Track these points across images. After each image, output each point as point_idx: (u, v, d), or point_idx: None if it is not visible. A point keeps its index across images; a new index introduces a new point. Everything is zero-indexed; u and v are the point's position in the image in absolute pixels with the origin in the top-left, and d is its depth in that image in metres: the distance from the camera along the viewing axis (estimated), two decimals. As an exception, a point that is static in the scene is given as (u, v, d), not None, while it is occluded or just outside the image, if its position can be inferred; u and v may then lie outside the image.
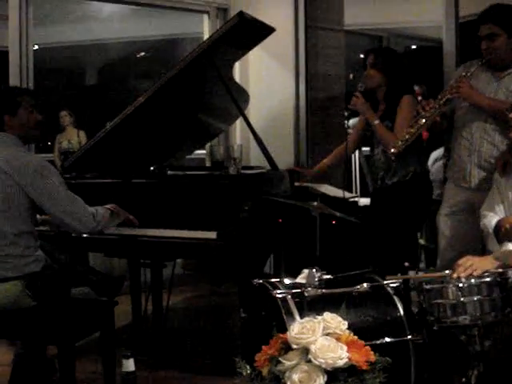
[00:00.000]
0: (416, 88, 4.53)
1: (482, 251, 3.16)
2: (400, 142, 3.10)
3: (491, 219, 2.80)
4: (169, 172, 3.60)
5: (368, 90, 3.59)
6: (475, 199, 3.16)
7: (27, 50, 4.68)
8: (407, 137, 3.10)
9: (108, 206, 2.96)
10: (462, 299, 2.38)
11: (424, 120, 3.08)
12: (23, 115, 2.82)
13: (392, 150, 3.13)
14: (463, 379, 2.47)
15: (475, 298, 2.37)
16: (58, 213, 2.76)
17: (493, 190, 2.90)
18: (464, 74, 3.16)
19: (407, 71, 3.67)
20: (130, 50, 7.42)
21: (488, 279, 2.39)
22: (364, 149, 3.82)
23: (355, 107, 3.56)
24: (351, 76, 6.39)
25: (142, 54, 7.49)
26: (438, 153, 4.66)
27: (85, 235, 3.08)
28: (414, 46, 6.73)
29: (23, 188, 2.70)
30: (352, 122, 5.39)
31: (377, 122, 3.47)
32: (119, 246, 3.24)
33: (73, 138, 6.20)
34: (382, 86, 3.58)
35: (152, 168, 3.68)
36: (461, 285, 2.38)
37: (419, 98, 4.10)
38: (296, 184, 3.56)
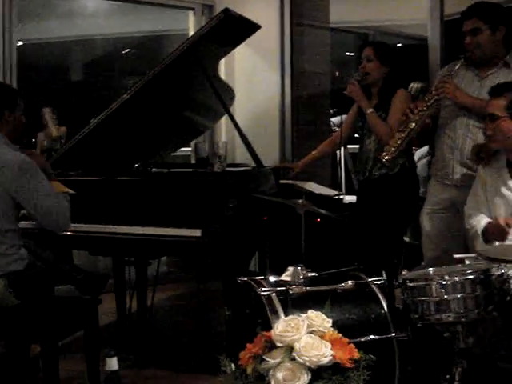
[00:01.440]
0: (415, 85, 4.50)
1: (465, 249, 3.18)
2: (392, 149, 3.13)
3: (480, 220, 2.81)
4: (153, 169, 3.59)
5: (369, 83, 3.58)
6: (458, 197, 3.18)
7: (11, 45, 4.63)
8: (399, 142, 3.13)
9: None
10: (445, 296, 2.39)
11: (414, 123, 3.11)
12: (18, 115, 2.86)
13: (386, 158, 3.15)
14: (447, 376, 2.48)
15: (459, 296, 2.38)
16: (35, 212, 2.74)
17: (476, 186, 2.91)
18: (448, 73, 3.17)
19: (402, 65, 3.66)
20: (116, 46, 7.36)
21: (471, 276, 2.40)
22: (350, 146, 3.82)
23: (350, 94, 3.54)
24: (337, 73, 6.40)
25: (128, 50, 7.44)
26: (422, 150, 4.67)
27: (69, 233, 3.06)
28: (399, 44, 6.74)
29: (6, 186, 2.68)
30: (336, 119, 5.40)
31: (370, 110, 3.47)
32: (103, 243, 3.22)
33: (54, 135, 6.15)
34: (378, 80, 3.57)
35: (136, 165, 3.66)
36: (444, 282, 2.39)
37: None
38: (281, 181, 3.56)
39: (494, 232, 2.69)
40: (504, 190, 2.75)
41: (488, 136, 2.78)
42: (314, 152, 3.94)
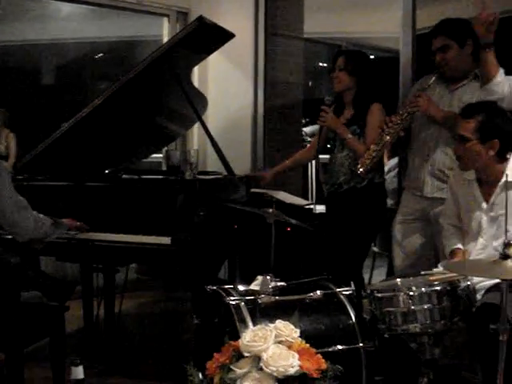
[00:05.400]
0: None
1: (436, 259, 3.21)
2: (367, 161, 3.15)
3: (447, 242, 2.85)
4: (124, 175, 3.56)
5: (335, 93, 3.58)
6: (429, 208, 3.22)
7: (-19, 47, 4.57)
8: (373, 155, 3.16)
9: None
10: (412, 307, 2.41)
11: (388, 136, 3.13)
12: None
13: (360, 170, 3.17)
14: (413, 386, 2.50)
15: (425, 307, 2.41)
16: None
17: (447, 197, 2.94)
18: (422, 87, 3.22)
19: (377, 76, 3.64)
20: (88, 50, 7.32)
21: (438, 288, 2.43)
22: (321, 156, 3.83)
23: (325, 124, 3.50)
24: (310, 83, 6.44)
25: (101, 55, 7.40)
26: (392, 162, 4.72)
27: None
28: (371, 56, 6.83)
29: None
30: (309, 129, 5.42)
31: (349, 136, 3.45)
32: (71, 250, 3.18)
33: (2, 140, 6.07)
34: (350, 89, 3.54)
35: (107, 171, 3.63)
36: (411, 293, 2.42)
37: None
38: (252, 190, 3.56)
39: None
40: (474, 206, 2.78)
41: (457, 157, 2.80)
42: (286, 161, 3.95)
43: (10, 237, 3.01)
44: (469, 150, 2.69)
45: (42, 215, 2.81)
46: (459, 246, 2.80)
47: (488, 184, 2.75)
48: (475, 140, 2.67)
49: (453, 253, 2.80)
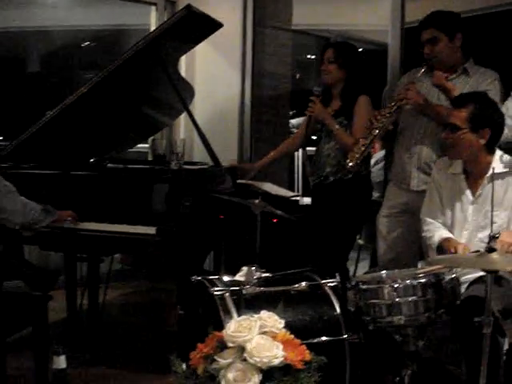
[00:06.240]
0: None
1: (420, 253, 3.22)
2: (357, 155, 3.13)
3: (434, 231, 2.82)
4: (109, 165, 3.54)
5: (324, 85, 3.57)
6: (414, 201, 3.22)
7: (-35, 34, 4.52)
8: (362, 149, 3.14)
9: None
10: (397, 299, 2.42)
11: (377, 130, 3.12)
12: None
13: (350, 164, 3.15)
14: (397, 378, 2.51)
15: (410, 299, 2.42)
16: None
17: (431, 191, 2.94)
18: (411, 80, 3.21)
19: (365, 68, 3.63)
20: (75, 38, 7.25)
21: (423, 280, 2.44)
22: (308, 148, 3.82)
23: (313, 114, 3.48)
24: (297, 75, 6.42)
25: (87, 43, 7.33)
26: (379, 155, 4.73)
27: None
28: (359, 49, 6.82)
29: None
30: (296, 121, 5.41)
31: (337, 127, 3.44)
32: (55, 239, 3.16)
33: None
34: (339, 81, 3.54)
35: (92, 160, 3.60)
36: (396, 285, 2.42)
37: None
38: (238, 181, 3.54)
39: (450, 251, 2.71)
40: (460, 198, 2.78)
41: (446, 146, 2.80)
42: (272, 153, 3.93)
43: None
44: (459, 139, 2.70)
45: (31, 201, 2.79)
46: (450, 235, 2.79)
47: (474, 176, 2.77)
48: (467, 129, 2.68)
49: (447, 241, 2.75)
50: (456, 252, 2.61)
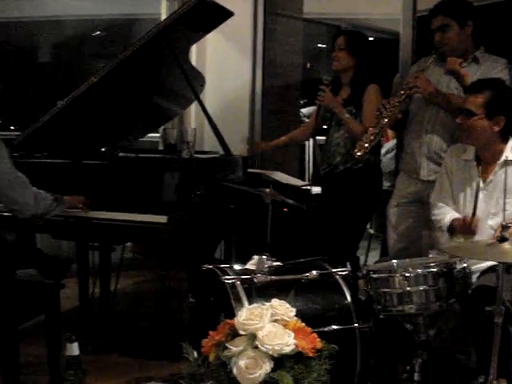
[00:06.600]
0: None
1: (430, 241, 3.21)
2: (366, 145, 3.12)
3: (445, 214, 2.82)
4: (120, 154, 3.55)
5: (339, 70, 3.56)
6: (425, 191, 3.21)
7: (-22, 24, 4.53)
8: (371, 138, 3.12)
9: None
10: (408, 288, 2.42)
11: (386, 119, 3.11)
12: None
13: (358, 153, 3.13)
14: (407, 367, 2.52)
15: (421, 288, 2.42)
16: None
17: (442, 175, 2.93)
18: (420, 68, 3.19)
19: (376, 57, 3.63)
20: (86, 28, 7.26)
21: (434, 269, 2.44)
22: (318, 138, 3.81)
23: (323, 103, 3.48)
24: (308, 65, 6.40)
25: (98, 32, 7.34)
26: (389, 144, 4.71)
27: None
28: (371, 38, 6.78)
29: None
30: (306, 110, 5.39)
31: (347, 116, 3.44)
32: (67, 227, 3.17)
33: None
34: (349, 69, 3.53)
35: (103, 149, 3.61)
36: (407, 274, 2.42)
37: None
38: (249, 170, 3.55)
39: (461, 230, 2.70)
40: (470, 185, 2.77)
41: (461, 131, 2.79)
42: (283, 137, 3.94)
43: (6, 214, 3.01)
44: (474, 125, 2.69)
45: (42, 191, 2.81)
46: (460, 216, 2.78)
47: (486, 163, 2.76)
48: (482, 115, 2.67)
49: (457, 220, 2.74)
50: (467, 222, 2.60)
